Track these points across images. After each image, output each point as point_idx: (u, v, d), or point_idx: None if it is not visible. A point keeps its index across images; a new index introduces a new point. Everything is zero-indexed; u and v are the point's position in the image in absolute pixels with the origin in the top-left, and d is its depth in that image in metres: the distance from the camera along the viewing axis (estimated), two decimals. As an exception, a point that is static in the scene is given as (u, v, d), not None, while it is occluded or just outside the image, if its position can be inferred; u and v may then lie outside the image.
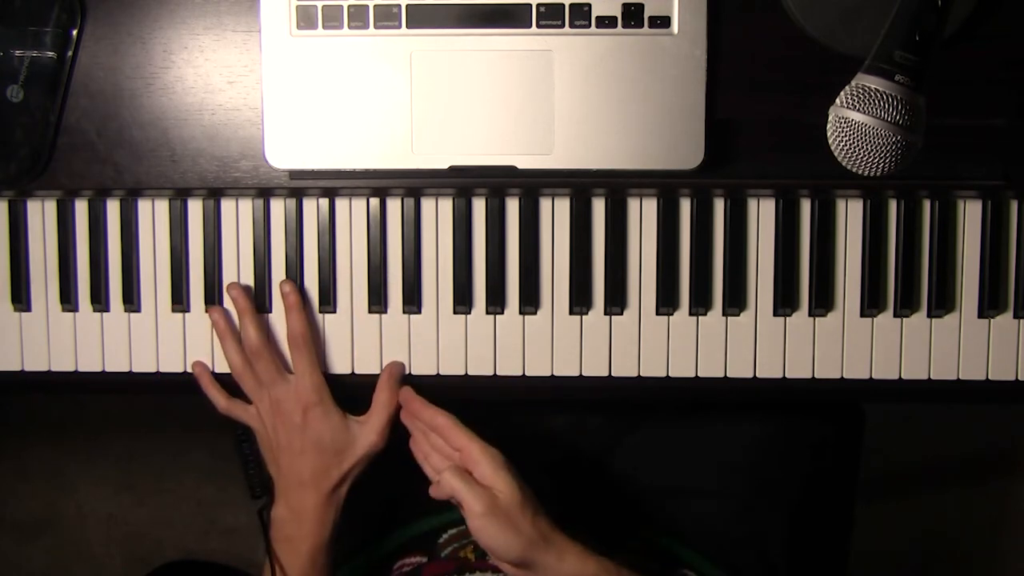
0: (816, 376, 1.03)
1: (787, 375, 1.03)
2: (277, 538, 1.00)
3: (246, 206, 1.04)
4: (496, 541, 0.89)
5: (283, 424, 1.00)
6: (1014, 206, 1.02)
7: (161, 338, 1.05)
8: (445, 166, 0.97)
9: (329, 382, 1.02)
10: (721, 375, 1.03)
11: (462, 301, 1.03)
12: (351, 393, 1.03)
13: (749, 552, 1.18)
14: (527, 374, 1.04)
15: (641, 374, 1.03)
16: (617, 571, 0.91)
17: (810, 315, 1.03)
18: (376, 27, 0.96)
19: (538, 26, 0.96)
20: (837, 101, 0.80)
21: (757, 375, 1.03)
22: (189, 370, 1.05)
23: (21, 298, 1.05)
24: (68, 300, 1.04)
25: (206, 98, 0.99)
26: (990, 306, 1.02)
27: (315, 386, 1.00)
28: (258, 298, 1.04)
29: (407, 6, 0.96)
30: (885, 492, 1.93)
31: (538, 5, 0.96)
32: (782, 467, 1.20)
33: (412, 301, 1.03)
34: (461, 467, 0.92)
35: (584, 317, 1.03)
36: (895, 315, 1.03)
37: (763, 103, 0.97)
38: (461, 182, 1.00)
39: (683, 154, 0.96)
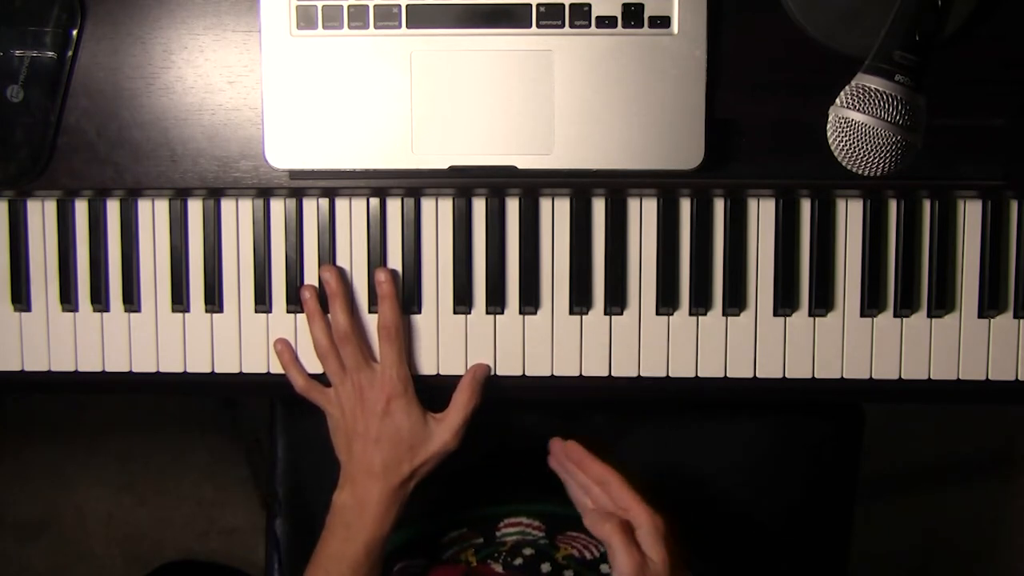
0: (816, 376, 1.03)
1: (787, 375, 1.03)
2: (336, 524, 1.00)
3: (246, 206, 1.04)
4: None
5: (364, 411, 1.00)
6: (1014, 206, 1.02)
7: (161, 338, 1.05)
8: (445, 166, 0.97)
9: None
10: (721, 375, 1.03)
11: (462, 301, 1.03)
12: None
13: (749, 552, 1.18)
14: (527, 374, 1.04)
15: (641, 374, 1.03)
16: None
17: (810, 315, 1.03)
18: (376, 27, 0.96)
19: (538, 26, 0.96)
20: (837, 101, 0.80)
21: (757, 375, 1.03)
22: (189, 370, 1.05)
23: (21, 298, 1.05)
24: (68, 300, 1.04)
25: (206, 98, 0.99)
26: (990, 306, 1.02)
27: (402, 377, 1.00)
28: (259, 297, 1.04)
29: (407, 6, 0.96)
30: (885, 492, 1.93)
31: (538, 5, 0.96)
32: (782, 467, 1.20)
33: (412, 301, 1.03)
34: (626, 523, 0.91)
35: (584, 317, 1.03)
36: (895, 315, 1.03)
37: (763, 103, 0.97)
38: (461, 182, 1.00)
39: (683, 154, 0.96)
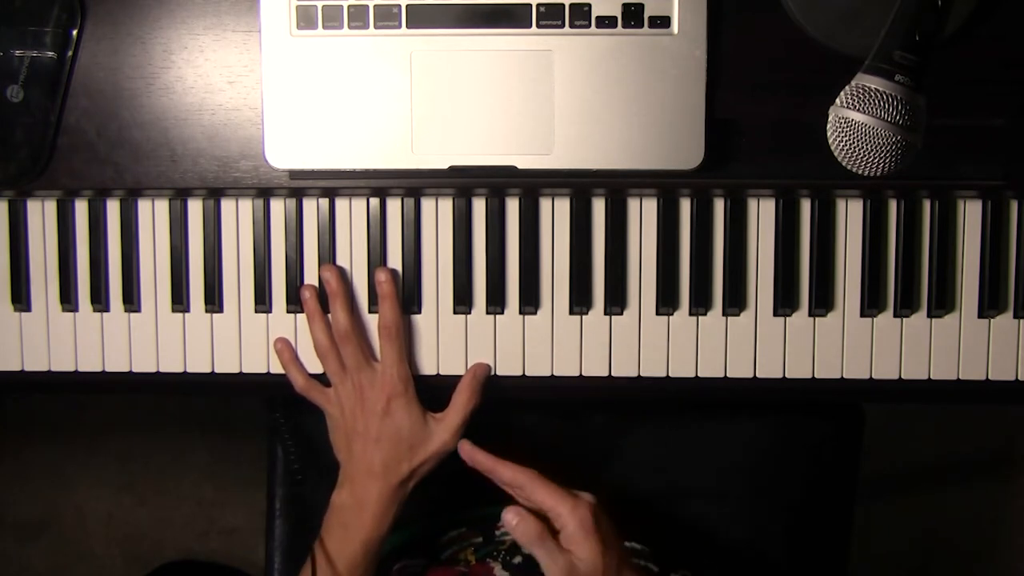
0: (816, 376, 1.03)
1: (787, 375, 1.03)
2: (334, 523, 1.00)
3: (246, 206, 1.04)
4: None
5: (364, 410, 1.00)
6: (1014, 206, 1.02)
7: (161, 338, 1.05)
8: (445, 166, 0.97)
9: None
10: (721, 375, 1.03)
11: (462, 301, 1.03)
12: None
13: (749, 552, 1.18)
14: (527, 374, 1.04)
15: (641, 374, 1.03)
16: None
17: (810, 315, 1.03)
18: (376, 27, 0.96)
19: (538, 26, 0.96)
20: (837, 101, 0.80)
21: (757, 375, 1.03)
22: (189, 370, 1.05)
23: (21, 298, 1.05)
24: (68, 300, 1.04)
25: (206, 98, 0.99)
26: (990, 306, 1.02)
27: (402, 377, 1.00)
28: (259, 297, 1.04)
29: (407, 6, 0.96)
30: (885, 492, 1.93)
31: (538, 5, 0.96)
32: (782, 467, 1.20)
33: (412, 301, 1.03)
34: (543, 531, 0.89)
35: (584, 317, 1.03)
36: (895, 315, 1.03)
37: (763, 103, 0.97)
38: (461, 182, 1.00)
39: (683, 154, 0.96)
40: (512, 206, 1.03)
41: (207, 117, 0.99)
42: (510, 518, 0.91)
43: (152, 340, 1.05)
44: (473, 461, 0.99)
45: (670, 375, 1.03)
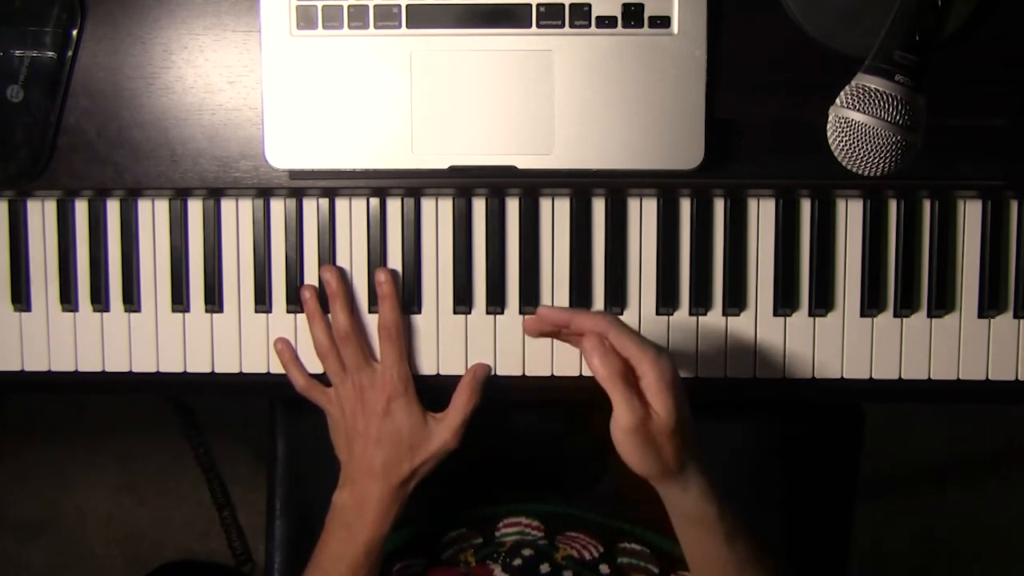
0: (816, 376, 1.03)
1: (787, 375, 1.03)
2: (336, 524, 1.00)
3: (246, 206, 1.04)
4: (630, 458, 0.85)
5: (364, 411, 1.00)
6: (1014, 206, 1.02)
7: (161, 338, 1.05)
8: (445, 166, 0.97)
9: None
10: (721, 375, 1.03)
11: (462, 301, 1.03)
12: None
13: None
14: (527, 374, 1.04)
15: (641, 374, 1.03)
16: (732, 519, 0.90)
17: (810, 315, 1.03)
18: (376, 27, 0.96)
19: (538, 26, 0.96)
20: (837, 101, 0.80)
21: (757, 375, 1.03)
22: (189, 370, 1.05)
23: (21, 298, 1.05)
24: (68, 300, 1.04)
25: (206, 98, 0.99)
26: (990, 306, 1.02)
27: (402, 377, 1.00)
28: (259, 297, 1.04)
29: (407, 6, 0.96)
30: (885, 492, 1.93)
31: (538, 5, 0.96)
32: (782, 467, 1.20)
33: (412, 301, 1.03)
34: (625, 370, 0.83)
35: (584, 317, 1.03)
36: (895, 315, 1.03)
37: (763, 103, 0.97)
38: (461, 182, 1.00)
39: (683, 154, 0.96)
40: (512, 206, 1.03)
41: (207, 117, 0.99)
42: (592, 347, 0.83)
43: (152, 340, 1.05)
44: (550, 319, 0.90)
45: (670, 375, 1.03)
